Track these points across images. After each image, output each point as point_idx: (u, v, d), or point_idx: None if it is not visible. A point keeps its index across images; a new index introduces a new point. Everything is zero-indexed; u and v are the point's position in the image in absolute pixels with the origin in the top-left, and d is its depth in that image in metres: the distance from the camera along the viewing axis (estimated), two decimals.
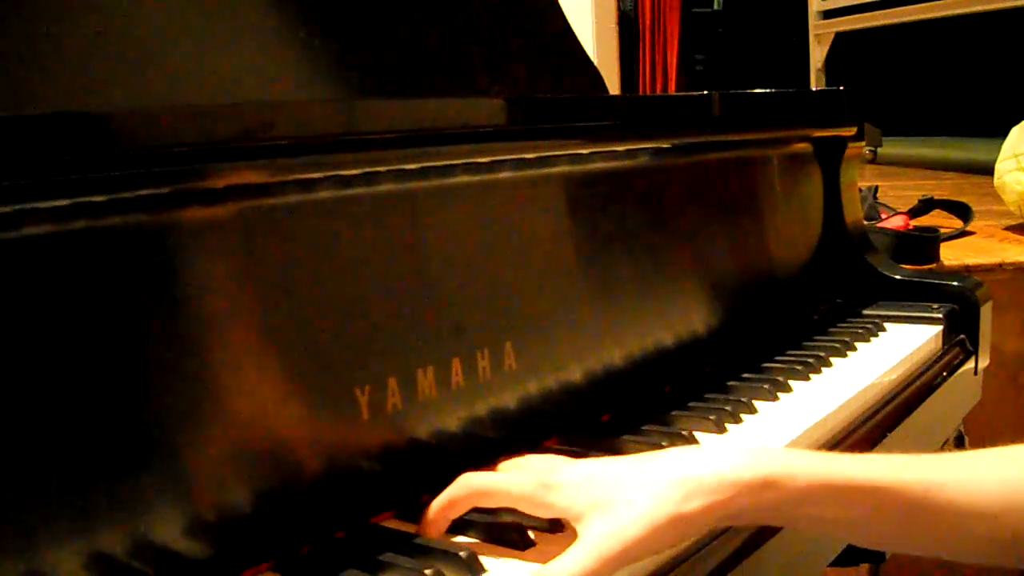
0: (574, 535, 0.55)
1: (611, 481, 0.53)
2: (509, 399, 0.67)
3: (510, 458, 0.63)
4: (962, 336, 1.02)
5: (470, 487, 0.55)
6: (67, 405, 0.45)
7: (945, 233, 1.50)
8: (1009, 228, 1.62)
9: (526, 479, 0.55)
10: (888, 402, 0.84)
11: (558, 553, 0.53)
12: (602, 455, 0.60)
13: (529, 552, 0.54)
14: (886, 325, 1.00)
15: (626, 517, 0.51)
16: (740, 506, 0.53)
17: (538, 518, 0.56)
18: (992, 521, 0.54)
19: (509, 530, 0.55)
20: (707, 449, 0.56)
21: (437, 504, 0.56)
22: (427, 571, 0.50)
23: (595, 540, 0.51)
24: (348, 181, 0.59)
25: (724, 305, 0.92)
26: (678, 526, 0.52)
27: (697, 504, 0.52)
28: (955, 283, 1.05)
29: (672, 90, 4.40)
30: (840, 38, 3.31)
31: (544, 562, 0.52)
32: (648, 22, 4.46)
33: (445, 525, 0.56)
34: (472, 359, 0.65)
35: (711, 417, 0.73)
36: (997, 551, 0.55)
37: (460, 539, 0.56)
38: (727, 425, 0.73)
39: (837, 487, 0.53)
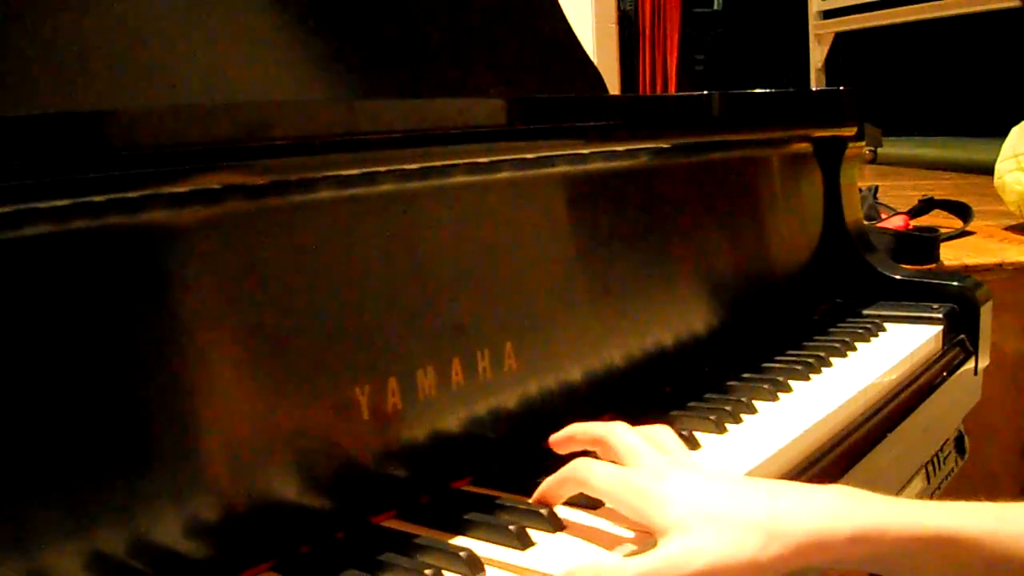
0: (575, 536, 0.55)
1: (702, 507, 0.53)
2: (509, 399, 0.68)
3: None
4: (962, 336, 1.02)
5: (580, 477, 0.56)
6: (67, 405, 0.45)
7: (945, 233, 1.50)
8: (1009, 228, 1.62)
9: (634, 484, 0.55)
10: (888, 402, 0.84)
11: (559, 553, 0.54)
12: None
13: (529, 552, 0.54)
14: (886, 325, 1.00)
15: (703, 545, 0.51)
16: (823, 557, 0.52)
17: (541, 518, 0.56)
18: None
19: (509, 530, 0.55)
20: (800, 490, 0.55)
21: (548, 483, 0.58)
22: (427, 571, 0.50)
23: (666, 555, 0.51)
24: (348, 181, 0.59)
25: (724, 305, 0.92)
26: (751, 570, 0.51)
27: (777, 551, 0.51)
28: (955, 283, 1.05)
29: (672, 90, 4.40)
30: (840, 38, 3.31)
31: (544, 562, 0.53)
32: (648, 22, 4.46)
33: (556, 502, 0.58)
34: (472, 359, 0.65)
35: (711, 417, 0.73)
36: None
37: (460, 539, 0.56)
38: (727, 425, 0.73)
39: (928, 539, 0.52)
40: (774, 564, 0.51)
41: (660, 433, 0.61)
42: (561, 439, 0.63)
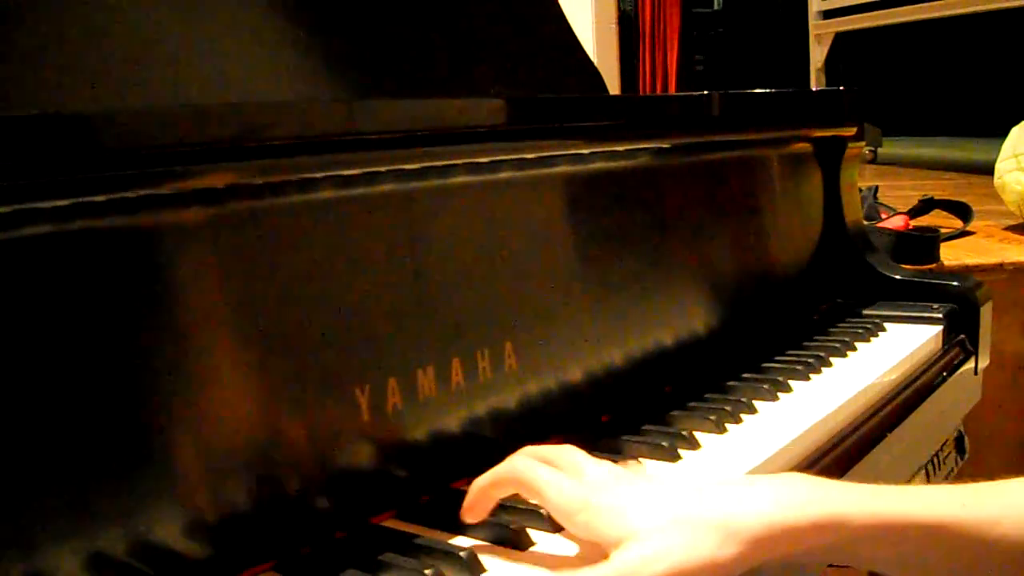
0: (574, 537, 0.55)
1: (651, 512, 0.51)
2: (509, 399, 0.68)
3: (555, 442, 0.60)
4: (962, 336, 1.02)
5: (519, 476, 0.54)
6: (67, 405, 0.45)
7: (945, 233, 1.50)
8: (1009, 228, 1.62)
9: (572, 495, 0.53)
10: (888, 402, 0.84)
11: (558, 553, 0.54)
12: (602, 456, 0.60)
13: (529, 552, 0.54)
14: (886, 325, 1.00)
15: (658, 553, 0.49)
16: (783, 550, 0.51)
17: (541, 518, 0.56)
18: None
19: (509, 530, 0.55)
20: (753, 484, 0.53)
21: (483, 479, 0.54)
22: (427, 571, 0.50)
23: (623, 563, 0.49)
24: (348, 181, 0.59)
25: (724, 305, 0.92)
26: (710, 571, 0.49)
27: (735, 550, 0.49)
28: (955, 283, 1.05)
29: (672, 90, 4.40)
30: (840, 38, 3.31)
31: (544, 563, 0.53)
32: (648, 22, 4.46)
33: (488, 506, 0.55)
34: (472, 359, 0.65)
35: (711, 417, 0.73)
36: None
37: (460, 539, 0.56)
38: (727, 425, 0.73)
39: (891, 526, 0.51)
40: (734, 562, 0.50)
41: (565, 453, 0.58)
42: (477, 499, 0.55)
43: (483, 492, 0.55)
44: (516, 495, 0.59)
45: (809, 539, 0.50)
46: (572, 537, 0.55)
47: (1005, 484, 0.55)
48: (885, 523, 0.51)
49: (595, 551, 0.52)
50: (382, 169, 0.60)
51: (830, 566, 0.66)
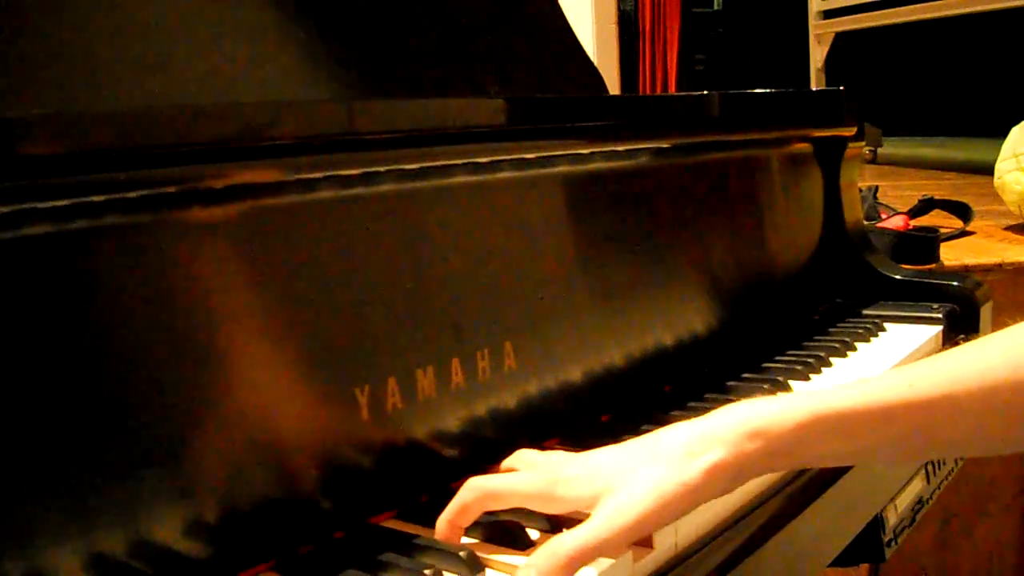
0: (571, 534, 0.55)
1: (617, 466, 0.54)
2: (509, 399, 0.68)
3: (508, 456, 0.63)
4: (962, 336, 1.01)
5: (479, 491, 0.55)
6: (67, 405, 0.45)
7: (945, 233, 1.50)
8: (1009, 228, 1.62)
9: (534, 477, 0.55)
10: None
11: None
12: None
13: (529, 552, 0.54)
14: (886, 325, 1.00)
15: (635, 493, 0.52)
16: (741, 461, 0.54)
17: (539, 517, 0.56)
18: (1006, 415, 0.54)
19: (509, 529, 0.55)
20: (701, 418, 0.57)
21: (448, 512, 0.55)
22: (427, 571, 0.50)
23: (606, 515, 0.51)
24: (348, 181, 0.59)
25: (724, 305, 0.92)
26: (686, 492, 0.52)
27: (699, 468, 0.53)
28: (955, 283, 1.05)
29: (672, 90, 4.40)
30: (840, 38, 3.31)
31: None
32: (648, 22, 4.46)
33: (459, 533, 0.56)
34: (472, 359, 0.65)
35: None
36: (1016, 441, 0.55)
37: (460, 539, 0.56)
38: None
39: (834, 418, 0.54)
40: (704, 478, 0.53)
41: (515, 458, 0.62)
42: (447, 528, 0.55)
43: (452, 526, 0.55)
44: None
45: (752, 444, 0.54)
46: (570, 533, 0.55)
47: (950, 353, 0.57)
48: (822, 417, 0.54)
49: None
50: (382, 169, 0.60)
51: (833, 563, 0.66)
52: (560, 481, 0.54)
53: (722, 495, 0.55)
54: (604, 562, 0.51)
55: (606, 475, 0.54)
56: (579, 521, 0.53)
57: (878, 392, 0.55)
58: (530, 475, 0.56)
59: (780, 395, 0.58)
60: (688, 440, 0.54)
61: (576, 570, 0.50)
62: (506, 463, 0.62)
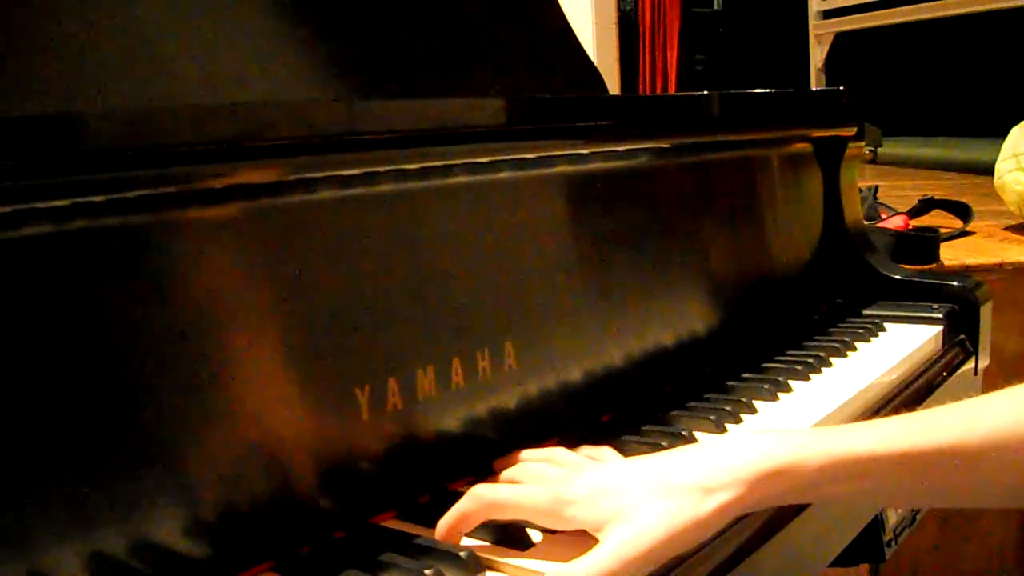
0: (575, 534, 0.55)
1: (627, 490, 0.53)
2: (509, 399, 0.67)
3: (514, 455, 0.63)
4: (962, 336, 1.01)
5: (482, 500, 0.55)
6: (67, 405, 0.45)
7: (945, 233, 1.50)
8: (1009, 228, 1.62)
9: (540, 493, 0.54)
10: (888, 402, 0.84)
11: (558, 553, 0.53)
12: None
13: (529, 552, 0.54)
14: (886, 325, 1.00)
15: (645, 523, 0.51)
16: (756, 498, 0.54)
17: None
18: (1015, 469, 0.55)
19: (509, 530, 0.55)
20: (718, 445, 0.57)
21: (449, 518, 0.55)
22: (427, 571, 0.50)
23: (616, 545, 0.51)
24: (348, 181, 0.59)
25: (724, 305, 0.92)
26: (697, 528, 0.52)
27: (713, 504, 0.53)
28: (955, 283, 1.05)
29: (672, 90, 4.40)
30: (840, 38, 3.31)
31: (543, 563, 0.52)
32: (648, 22, 4.46)
33: (459, 538, 0.55)
34: (472, 359, 0.65)
35: (711, 417, 0.73)
36: None
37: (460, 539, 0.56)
38: (727, 425, 0.73)
39: (850, 462, 0.55)
40: (716, 516, 0.53)
41: (555, 454, 0.63)
42: (447, 534, 0.55)
43: (451, 531, 0.55)
44: None
45: (772, 484, 0.54)
46: (572, 536, 0.55)
47: (961, 405, 0.57)
48: (841, 461, 0.54)
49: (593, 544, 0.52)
50: (382, 169, 0.60)
51: (833, 563, 0.66)
52: (567, 501, 0.53)
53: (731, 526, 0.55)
54: None
55: (616, 497, 0.53)
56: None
57: (893, 437, 0.55)
58: (536, 490, 0.55)
59: (793, 430, 0.58)
60: (705, 475, 0.53)
61: None
62: (506, 474, 0.61)
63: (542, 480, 0.58)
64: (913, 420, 0.57)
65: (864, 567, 1.34)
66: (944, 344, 1.00)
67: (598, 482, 0.54)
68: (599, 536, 0.52)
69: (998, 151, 1.63)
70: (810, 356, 0.87)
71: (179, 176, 0.50)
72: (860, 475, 0.55)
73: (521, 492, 0.55)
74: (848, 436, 0.56)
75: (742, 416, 0.75)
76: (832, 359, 0.88)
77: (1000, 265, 1.35)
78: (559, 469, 0.60)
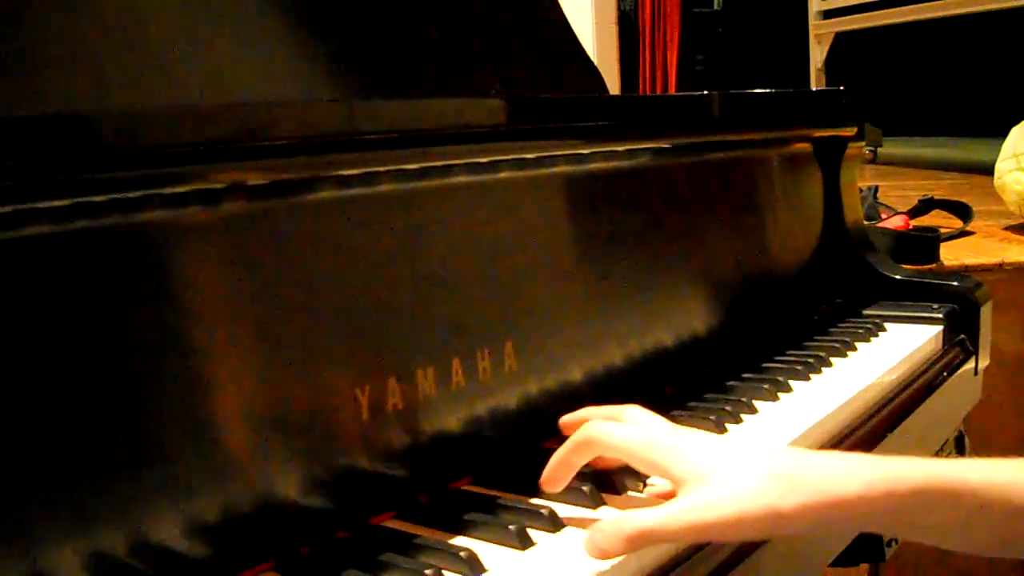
0: (575, 536, 0.55)
1: (720, 457, 0.53)
2: (509, 399, 0.67)
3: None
4: (962, 336, 1.01)
5: (583, 435, 0.56)
6: (67, 405, 0.45)
7: (945, 233, 1.50)
8: (1009, 228, 1.62)
9: (635, 432, 0.56)
10: (888, 402, 0.84)
11: (559, 553, 0.54)
12: None
13: (529, 552, 0.54)
14: (886, 325, 1.00)
15: (723, 495, 0.51)
16: (841, 512, 0.52)
17: (541, 518, 0.56)
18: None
19: (509, 530, 0.55)
20: (823, 453, 0.56)
21: (561, 451, 0.57)
22: (427, 571, 0.50)
23: (686, 506, 0.51)
24: (348, 181, 0.59)
25: (724, 305, 0.92)
26: (771, 519, 0.51)
27: (796, 501, 0.51)
28: (955, 283, 1.05)
29: (672, 90, 4.40)
30: (840, 38, 3.31)
31: (544, 562, 0.53)
32: (648, 22, 4.46)
33: (569, 475, 0.57)
34: (472, 359, 0.65)
35: (711, 417, 0.73)
36: None
37: (460, 539, 0.56)
38: (727, 425, 0.73)
39: (942, 491, 0.52)
40: (795, 514, 0.51)
41: (630, 409, 0.62)
42: (558, 467, 0.59)
43: (564, 460, 0.57)
44: (516, 496, 0.60)
45: (862, 503, 0.52)
46: (574, 536, 0.55)
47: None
48: (934, 488, 0.52)
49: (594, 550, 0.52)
50: (382, 169, 0.60)
51: (833, 563, 0.66)
52: (675, 451, 0.54)
53: (800, 534, 0.54)
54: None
55: (708, 459, 0.53)
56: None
57: (991, 471, 0.53)
58: (633, 428, 0.56)
59: (887, 458, 0.56)
60: (802, 471, 0.52)
61: (636, 549, 0.50)
62: (608, 410, 0.61)
63: (640, 424, 0.58)
64: (1017, 462, 0.55)
65: (864, 567, 1.34)
66: (944, 344, 1.00)
67: (695, 441, 0.55)
68: (678, 491, 0.52)
69: (998, 151, 1.63)
70: (810, 356, 0.87)
71: (179, 176, 0.50)
72: (952, 505, 0.53)
73: (619, 429, 0.56)
74: (941, 465, 0.54)
75: (742, 416, 0.75)
76: (832, 359, 0.88)
77: (1000, 265, 1.35)
78: (661, 421, 0.59)
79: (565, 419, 0.62)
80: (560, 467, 0.58)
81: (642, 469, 0.56)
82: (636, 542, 0.50)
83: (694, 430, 0.59)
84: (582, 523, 0.57)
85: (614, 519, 0.51)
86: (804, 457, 0.54)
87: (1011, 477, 0.53)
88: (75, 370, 0.45)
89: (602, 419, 0.59)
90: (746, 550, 0.60)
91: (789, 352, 0.90)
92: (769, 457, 0.53)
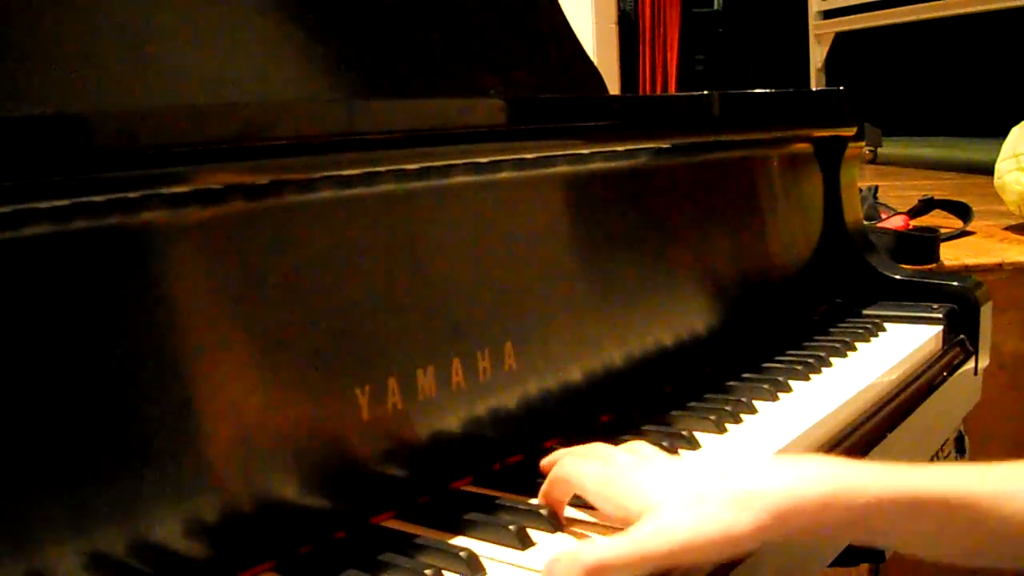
0: (575, 536, 0.55)
1: (671, 489, 0.53)
2: (509, 399, 0.67)
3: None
4: (962, 336, 1.01)
5: (555, 472, 0.58)
6: (67, 405, 0.45)
7: (945, 233, 1.50)
8: (1009, 228, 1.62)
9: (596, 472, 0.56)
10: (888, 402, 0.84)
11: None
12: None
13: (529, 552, 0.54)
14: (886, 325, 1.00)
15: (676, 521, 0.51)
16: (799, 524, 0.51)
17: (541, 518, 0.56)
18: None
19: (509, 530, 0.55)
20: (771, 464, 0.55)
21: (543, 490, 0.58)
22: (427, 571, 0.50)
23: (641, 535, 0.51)
24: (348, 181, 0.59)
25: (724, 305, 0.92)
26: (728, 542, 0.51)
27: (751, 520, 0.51)
28: (955, 283, 1.05)
29: (672, 90, 4.40)
30: (840, 38, 3.31)
31: (544, 562, 0.53)
32: (648, 22, 4.46)
33: (559, 508, 0.58)
34: (472, 359, 0.65)
35: (711, 417, 0.73)
36: None
37: (460, 539, 0.56)
38: (727, 425, 0.73)
39: (903, 501, 0.52)
40: (749, 535, 0.51)
41: (635, 445, 0.62)
42: (550, 461, 0.61)
43: (548, 498, 0.58)
44: (516, 496, 0.60)
45: (821, 513, 0.51)
46: (574, 536, 0.55)
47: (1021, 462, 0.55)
48: (894, 498, 0.52)
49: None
50: (382, 169, 0.60)
51: (833, 563, 0.65)
52: (628, 488, 0.54)
53: (771, 548, 0.54)
54: None
55: (656, 494, 0.53)
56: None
57: (955, 479, 0.52)
58: (595, 466, 0.57)
59: (843, 460, 0.55)
60: (753, 488, 0.51)
61: None
62: (579, 449, 0.61)
63: (608, 460, 0.58)
64: (970, 466, 0.54)
65: (864, 567, 1.34)
66: (944, 344, 1.00)
67: (649, 476, 0.55)
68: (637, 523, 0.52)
69: (998, 151, 1.63)
70: (810, 356, 0.87)
71: (179, 176, 0.50)
72: (913, 515, 0.52)
73: (582, 466, 0.57)
74: (906, 473, 0.53)
75: (742, 416, 0.75)
76: (832, 359, 0.88)
77: (1000, 265, 1.35)
78: (629, 456, 0.59)
79: (544, 462, 0.62)
80: (549, 502, 0.58)
81: (607, 511, 0.55)
82: (593, 574, 0.49)
83: (656, 456, 0.59)
84: (582, 524, 0.57)
85: (572, 550, 0.51)
86: (761, 473, 0.53)
87: (976, 485, 0.52)
88: (75, 370, 0.45)
89: (572, 457, 0.59)
90: None
91: (789, 352, 0.90)
92: (718, 479, 0.53)
